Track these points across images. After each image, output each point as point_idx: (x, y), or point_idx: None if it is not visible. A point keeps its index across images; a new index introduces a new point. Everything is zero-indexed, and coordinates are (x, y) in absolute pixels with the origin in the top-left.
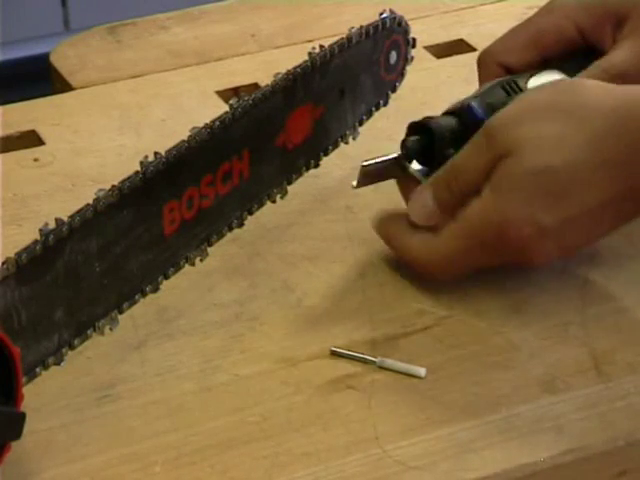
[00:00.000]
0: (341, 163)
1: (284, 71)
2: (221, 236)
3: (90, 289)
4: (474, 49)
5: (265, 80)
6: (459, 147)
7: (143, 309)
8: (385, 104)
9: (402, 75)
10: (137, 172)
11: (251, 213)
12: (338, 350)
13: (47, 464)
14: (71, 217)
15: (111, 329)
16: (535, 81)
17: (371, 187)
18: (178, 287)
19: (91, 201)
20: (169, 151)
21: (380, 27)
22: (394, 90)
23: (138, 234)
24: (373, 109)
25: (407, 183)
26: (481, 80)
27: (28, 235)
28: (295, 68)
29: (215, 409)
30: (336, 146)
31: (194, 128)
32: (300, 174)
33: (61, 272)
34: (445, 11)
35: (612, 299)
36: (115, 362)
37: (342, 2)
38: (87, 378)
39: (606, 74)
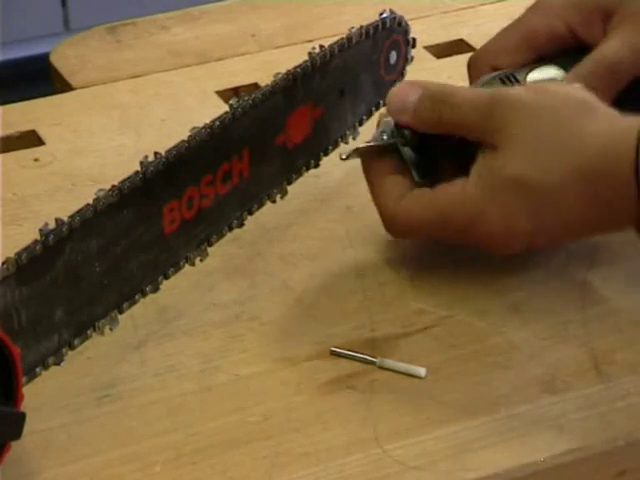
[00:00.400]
0: (341, 163)
1: (284, 71)
2: (221, 236)
3: (90, 289)
4: (474, 49)
5: (265, 80)
6: (456, 139)
7: (143, 309)
8: (385, 104)
9: (402, 75)
10: (137, 172)
11: (251, 213)
12: (338, 350)
13: (47, 464)
14: (71, 217)
15: (111, 329)
16: (534, 75)
17: None
18: (178, 287)
19: (91, 201)
20: (169, 151)
21: (380, 27)
22: None
23: (138, 234)
24: (373, 109)
25: (376, 166)
26: (472, 84)
27: (28, 235)
28: (295, 68)
29: (215, 409)
30: (336, 146)
31: (194, 128)
32: (300, 174)
33: (61, 272)
34: (445, 11)
35: (612, 299)
36: (115, 362)
37: (342, 2)
38: (87, 378)
39: (599, 66)
